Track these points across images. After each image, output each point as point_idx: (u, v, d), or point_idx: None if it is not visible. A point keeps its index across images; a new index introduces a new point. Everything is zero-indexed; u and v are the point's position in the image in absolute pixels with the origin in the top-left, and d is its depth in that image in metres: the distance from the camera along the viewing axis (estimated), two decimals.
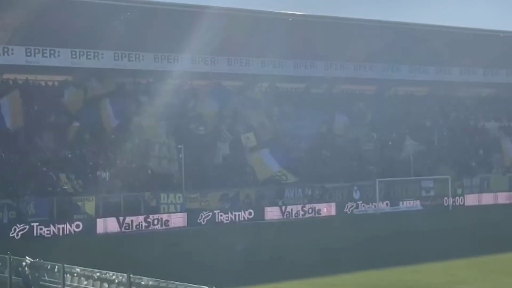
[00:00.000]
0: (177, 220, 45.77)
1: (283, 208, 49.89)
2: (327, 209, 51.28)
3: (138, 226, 44.16)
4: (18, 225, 40.63)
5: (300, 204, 50.98)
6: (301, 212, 50.36)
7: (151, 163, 49.47)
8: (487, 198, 58.11)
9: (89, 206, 43.82)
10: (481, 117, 68.73)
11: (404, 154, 57.58)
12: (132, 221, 44.10)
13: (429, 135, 62.99)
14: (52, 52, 49.82)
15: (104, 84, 52.47)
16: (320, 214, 50.61)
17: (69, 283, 18.28)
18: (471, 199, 57.37)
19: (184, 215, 46.17)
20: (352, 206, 52.44)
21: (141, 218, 44.58)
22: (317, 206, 51.16)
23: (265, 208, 49.22)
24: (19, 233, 40.41)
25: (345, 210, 51.80)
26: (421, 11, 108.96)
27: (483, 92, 71.57)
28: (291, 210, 50.13)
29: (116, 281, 17.06)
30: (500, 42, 61.36)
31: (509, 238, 34.69)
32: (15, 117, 46.79)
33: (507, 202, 58.33)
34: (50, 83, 53.33)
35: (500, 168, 62.03)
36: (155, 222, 44.84)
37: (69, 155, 47.90)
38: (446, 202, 55.90)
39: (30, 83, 52.02)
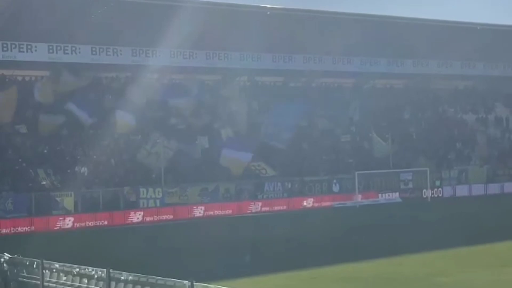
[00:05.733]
0: (157, 214, 45.70)
1: (263, 201, 50.04)
2: (307, 202, 51.42)
3: (117, 221, 44.00)
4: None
5: (279, 197, 51.07)
6: (281, 206, 50.40)
7: (129, 158, 49.29)
8: (465, 190, 58.53)
9: (68, 202, 43.62)
10: (459, 109, 69.17)
11: (377, 154, 57.53)
12: (111, 216, 43.95)
13: (407, 128, 63.29)
14: (29, 47, 49.57)
15: (81, 78, 52.19)
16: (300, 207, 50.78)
17: (48, 279, 18.15)
18: (449, 191, 57.75)
19: (164, 209, 46.09)
20: (332, 199, 52.61)
21: (120, 213, 44.44)
22: (297, 199, 51.26)
23: (245, 201, 49.27)
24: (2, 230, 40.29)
25: (324, 203, 51.95)
26: (398, 4, 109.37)
27: (460, 85, 71.97)
28: (271, 203, 50.20)
29: (96, 276, 16.98)
30: (477, 34, 61.68)
31: (486, 229, 34.99)
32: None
33: (485, 193, 58.78)
34: (27, 78, 52.94)
35: (478, 160, 62.47)
36: (134, 216, 44.74)
37: (47, 151, 47.61)
38: (424, 194, 56.24)
39: (6, 78, 51.60)
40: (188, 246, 33.26)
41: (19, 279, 19.11)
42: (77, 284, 17.54)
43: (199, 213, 47.09)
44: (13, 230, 40.50)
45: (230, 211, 48.13)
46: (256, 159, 52.45)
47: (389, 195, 54.92)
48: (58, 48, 50.53)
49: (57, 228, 41.80)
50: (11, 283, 19.38)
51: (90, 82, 52.54)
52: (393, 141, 57.22)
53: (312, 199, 51.68)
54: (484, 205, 50.78)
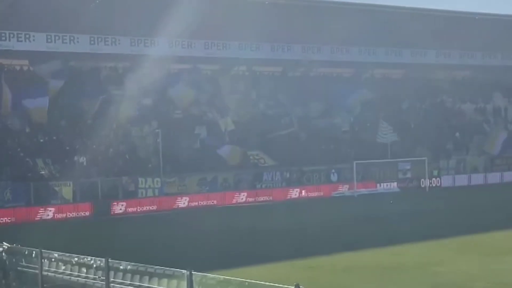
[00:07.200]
0: (155, 203, 45.76)
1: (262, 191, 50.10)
2: (305, 191, 51.49)
3: (116, 211, 44.06)
4: None
5: (278, 187, 51.12)
6: (280, 195, 50.46)
7: (128, 147, 49.29)
8: (463, 180, 58.60)
9: (66, 191, 43.65)
10: (457, 99, 69.16)
11: (380, 141, 57.56)
12: (110, 205, 43.99)
13: (405, 118, 63.28)
14: (27, 36, 49.46)
15: (81, 68, 52.18)
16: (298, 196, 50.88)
17: (47, 268, 18.20)
18: (447, 181, 57.83)
19: (162, 199, 46.16)
20: (330, 188, 52.67)
21: (119, 202, 44.49)
22: (295, 189, 51.30)
23: (243, 191, 49.33)
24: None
25: (323, 193, 52.02)
26: None
27: (459, 75, 71.97)
28: (269, 193, 50.27)
29: (94, 266, 17.00)
30: (476, 24, 61.59)
31: (484, 219, 35.08)
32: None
33: (483, 183, 58.88)
34: (25, 68, 52.88)
35: (476, 150, 62.51)
36: (133, 206, 44.78)
37: (45, 140, 47.59)
38: (422, 184, 56.30)
39: (5, 68, 51.52)
40: (187, 235, 33.31)
41: (18, 268, 19.15)
42: (76, 273, 17.57)
43: (198, 202, 47.17)
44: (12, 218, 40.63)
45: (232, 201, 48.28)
46: (255, 149, 52.56)
47: (387, 185, 55.00)
48: (57, 37, 50.45)
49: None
50: (10, 273, 19.41)
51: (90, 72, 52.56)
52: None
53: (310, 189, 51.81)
54: (482, 194, 50.85)
